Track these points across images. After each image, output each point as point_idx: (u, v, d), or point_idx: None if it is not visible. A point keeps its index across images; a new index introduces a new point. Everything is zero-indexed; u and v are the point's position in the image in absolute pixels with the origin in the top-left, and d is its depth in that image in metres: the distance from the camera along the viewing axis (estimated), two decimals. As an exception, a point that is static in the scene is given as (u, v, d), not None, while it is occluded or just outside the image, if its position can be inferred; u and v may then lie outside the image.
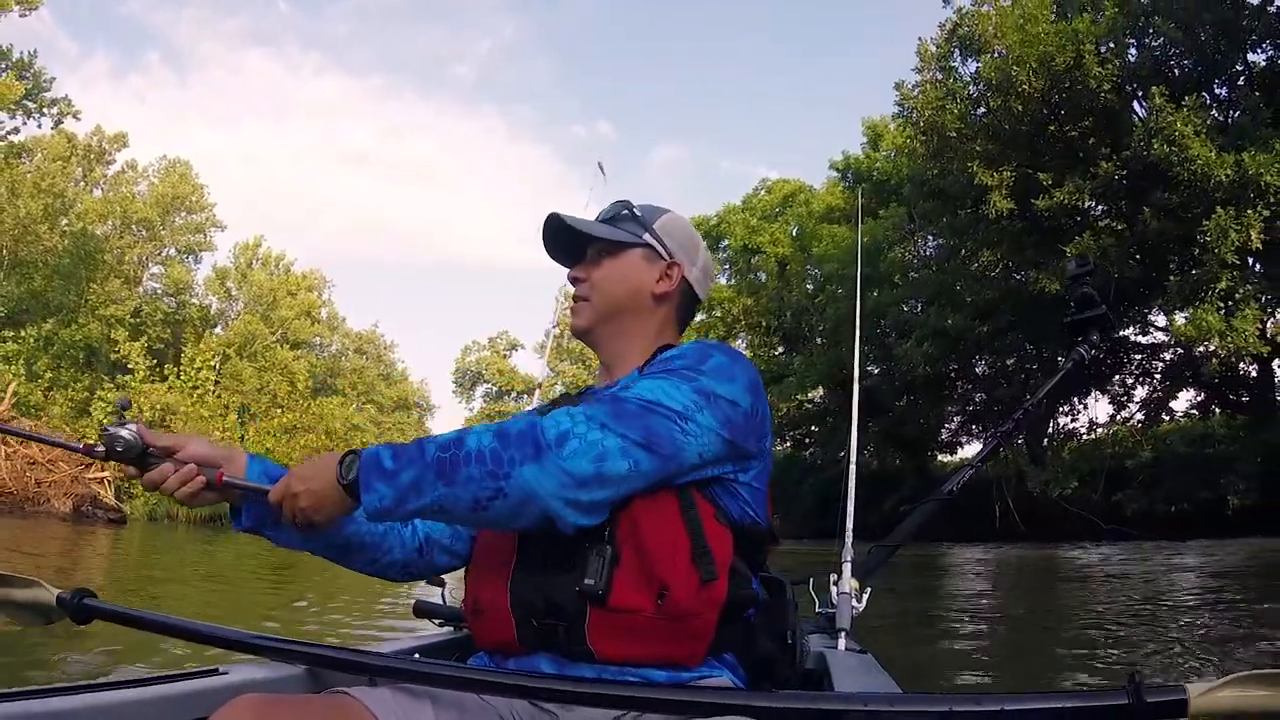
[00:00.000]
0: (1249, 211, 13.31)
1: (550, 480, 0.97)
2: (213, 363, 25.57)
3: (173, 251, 41.75)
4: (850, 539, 2.20)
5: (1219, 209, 13.29)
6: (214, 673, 1.15)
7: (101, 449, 1.12)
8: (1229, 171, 13.47)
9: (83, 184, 37.51)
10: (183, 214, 41.99)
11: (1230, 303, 14.60)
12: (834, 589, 1.95)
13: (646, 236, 1.33)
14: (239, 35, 72.77)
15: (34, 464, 15.69)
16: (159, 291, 39.68)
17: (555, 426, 1.00)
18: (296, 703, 0.96)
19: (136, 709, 1.02)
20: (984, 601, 9.04)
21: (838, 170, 33.68)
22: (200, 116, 73.83)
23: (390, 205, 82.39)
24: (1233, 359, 14.89)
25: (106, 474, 16.83)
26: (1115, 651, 5.10)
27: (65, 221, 32.67)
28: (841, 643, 1.70)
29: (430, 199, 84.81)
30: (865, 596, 1.98)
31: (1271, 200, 13.54)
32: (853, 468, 2.65)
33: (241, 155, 72.91)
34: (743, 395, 1.13)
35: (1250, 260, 15.65)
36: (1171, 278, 15.01)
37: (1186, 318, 14.87)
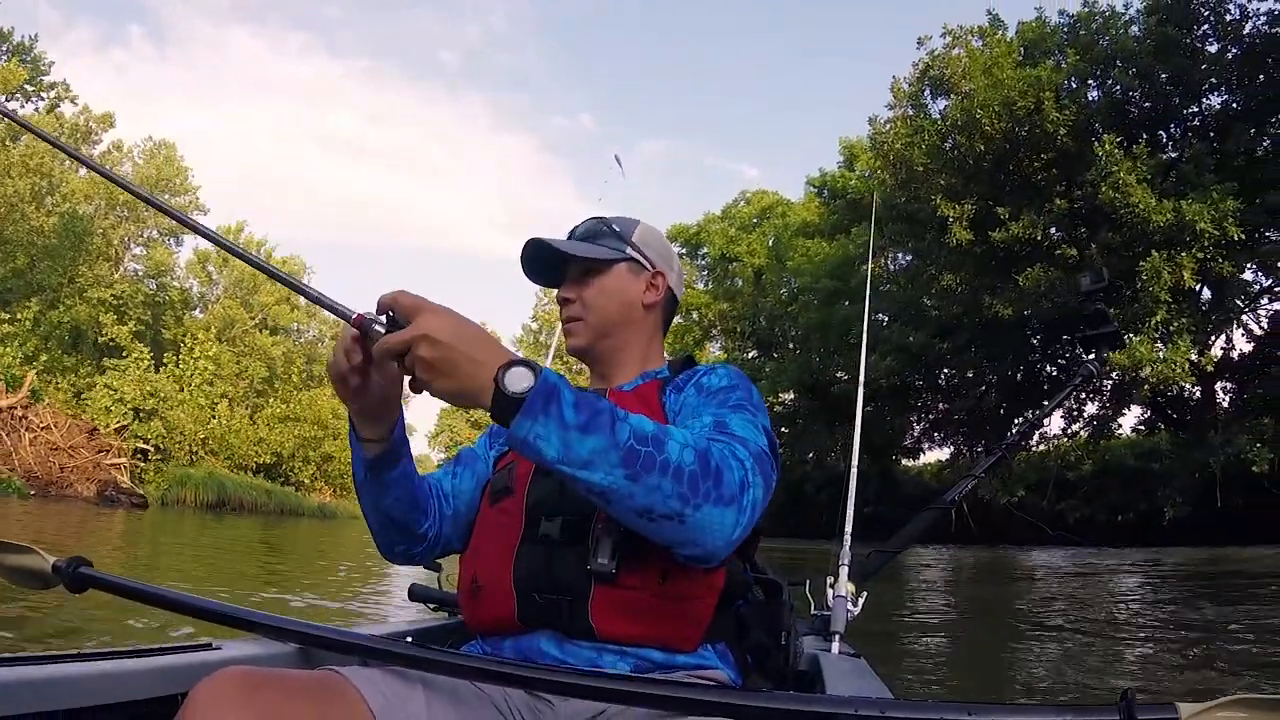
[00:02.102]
0: (1183, 254, 14.76)
1: (730, 529, 0.94)
2: (211, 352, 25.99)
3: (155, 234, 41.71)
4: (848, 542, 2.17)
5: (1154, 252, 14.70)
6: (207, 647, 1.15)
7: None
8: (1168, 216, 14.84)
9: (68, 163, 37.36)
10: (166, 196, 41.86)
11: (1166, 333, 15.93)
12: (830, 591, 1.96)
13: (629, 250, 1.34)
14: (225, 11, 72.20)
15: (56, 449, 16.11)
16: (140, 273, 39.61)
17: (740, 468, 0.97)
18: (282, 677, 0.92)
19: (128, 679, 1.02)
20: (948, 597, 9.75)
21: (814, 186, 34.99)
22: (180, 93, 73.19)
23: (370, 189, 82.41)
24: (1161, 385, 16.28)
25: (123, 460, 17.49)
26: (1078, 655, 5.24)
27: (51, 201, 32.71)
28: (835, 646, 1.70)
29: (411, 184, 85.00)
30: (861, 600, 1.97)
31: (1206, 244, 15.01)
32: (853, 471, 2.64)
33: (221, 133, 72.38)
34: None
35: (1200, 286, 17.09)
36: (1112, 310, 16.36)
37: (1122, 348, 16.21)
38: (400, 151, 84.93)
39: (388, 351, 0.89)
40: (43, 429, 16.03)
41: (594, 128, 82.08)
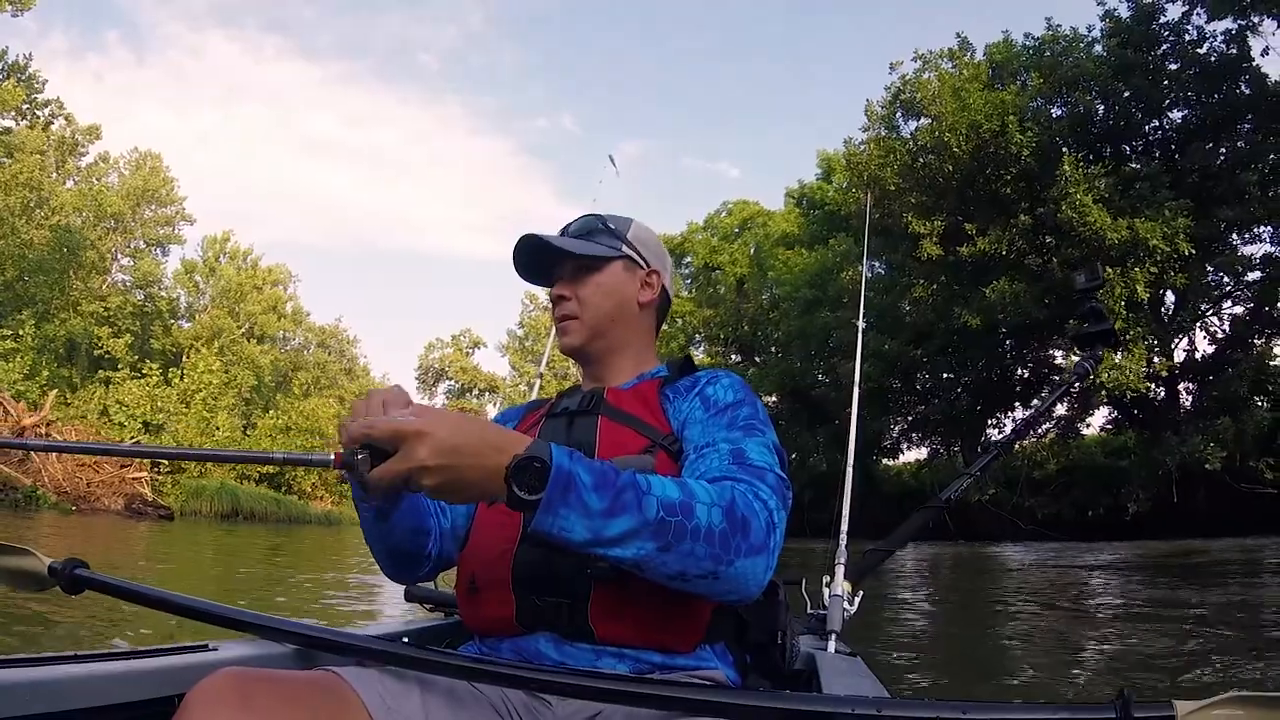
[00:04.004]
0: (1136, 269, 15.88)
1: (762, 574, 0.95)
2: (214, 366, 26.57)
3: (141, 244, 41.68)
4: (844, 541, 2.17)
5: (1109, 268, 15.75)
6: (204, 648, 1.15)
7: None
8: (1123, 234, 15.93)
9: (56, 175, 37.28)
10: (153, 207, 41.87)
11: (1123, 342, 16.87)
12: (826, 590, 1.96)
13: (624, 248, 1.32)
14: (201, 15, 71.62)
15: (83, 465, 16.73)
16: (128, 284, 39.65)
17: (765, 510, 0.97)
18: (279, 677, 0.90)
19: (125, 681, 1.02)
20: (936, 594, 10.04)
21: (794, 198, 36.08)
22: (158, 98, 72.46)
23: (350, 194, 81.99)
24: (1118, 391, 17.36)
25: (144, 474, 18.17)
26: (1068, 648, 5.23)
27: (40, 214, 32.87)
28: (831, 645, 1.71)
29: (391, 188, 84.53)
30: (857, 599, 1.98)
31: (1159, 259, 16.14)
32: (849, 471, 2.63)
33: (204, 138, 71.76)
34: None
35: (1163, 292, 18.08)
36: (1071, 321, 17.44)
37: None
38: (378, 154, 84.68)
39: (386, 486, 0.85)
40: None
41: (576, 129, 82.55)
